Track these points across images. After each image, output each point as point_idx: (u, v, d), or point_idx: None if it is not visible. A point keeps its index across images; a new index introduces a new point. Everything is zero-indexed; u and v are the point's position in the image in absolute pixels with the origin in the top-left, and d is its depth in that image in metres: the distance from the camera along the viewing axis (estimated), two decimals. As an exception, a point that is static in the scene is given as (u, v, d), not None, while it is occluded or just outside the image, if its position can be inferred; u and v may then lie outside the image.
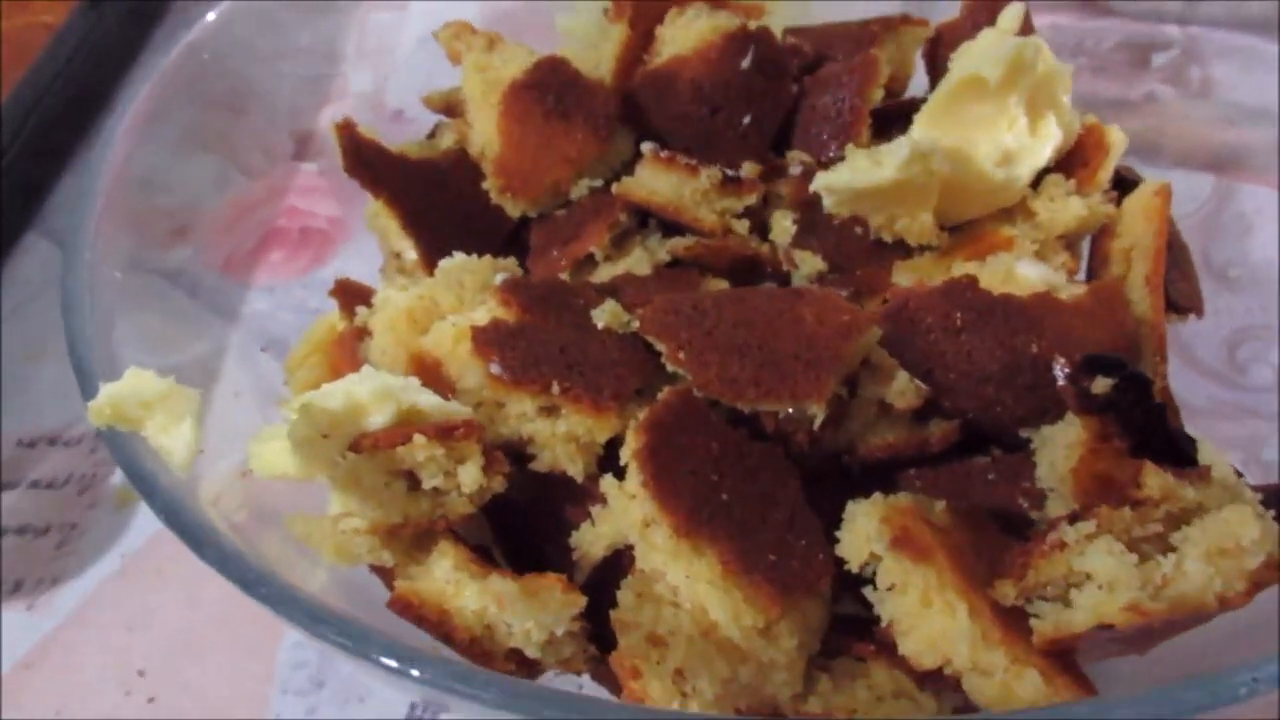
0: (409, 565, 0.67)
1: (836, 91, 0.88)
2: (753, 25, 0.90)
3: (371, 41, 1.18)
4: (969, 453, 0.72)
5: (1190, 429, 0.66)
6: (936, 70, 0.93)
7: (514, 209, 0.90)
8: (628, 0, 0.92)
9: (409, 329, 0.74)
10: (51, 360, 1.12)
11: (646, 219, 0.88)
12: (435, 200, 0.90)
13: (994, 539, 0.66)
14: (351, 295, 0.81)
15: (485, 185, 0.89)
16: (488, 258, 0.80)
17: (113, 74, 1.39)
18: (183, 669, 0.89)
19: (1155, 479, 0.58)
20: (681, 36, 0.90)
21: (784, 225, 0.86)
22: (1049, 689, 0.57)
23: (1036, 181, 0.83)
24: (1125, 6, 1.12)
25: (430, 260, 0.84)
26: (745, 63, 0.87)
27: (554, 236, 0.89)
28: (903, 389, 0.69)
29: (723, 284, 0.84)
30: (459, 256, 0.79)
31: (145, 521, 0.99)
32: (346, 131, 0.88)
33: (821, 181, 0.81)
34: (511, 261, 0.83)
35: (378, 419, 0.64)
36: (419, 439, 0.63)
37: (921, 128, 0.81)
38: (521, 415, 0.69)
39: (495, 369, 0.68)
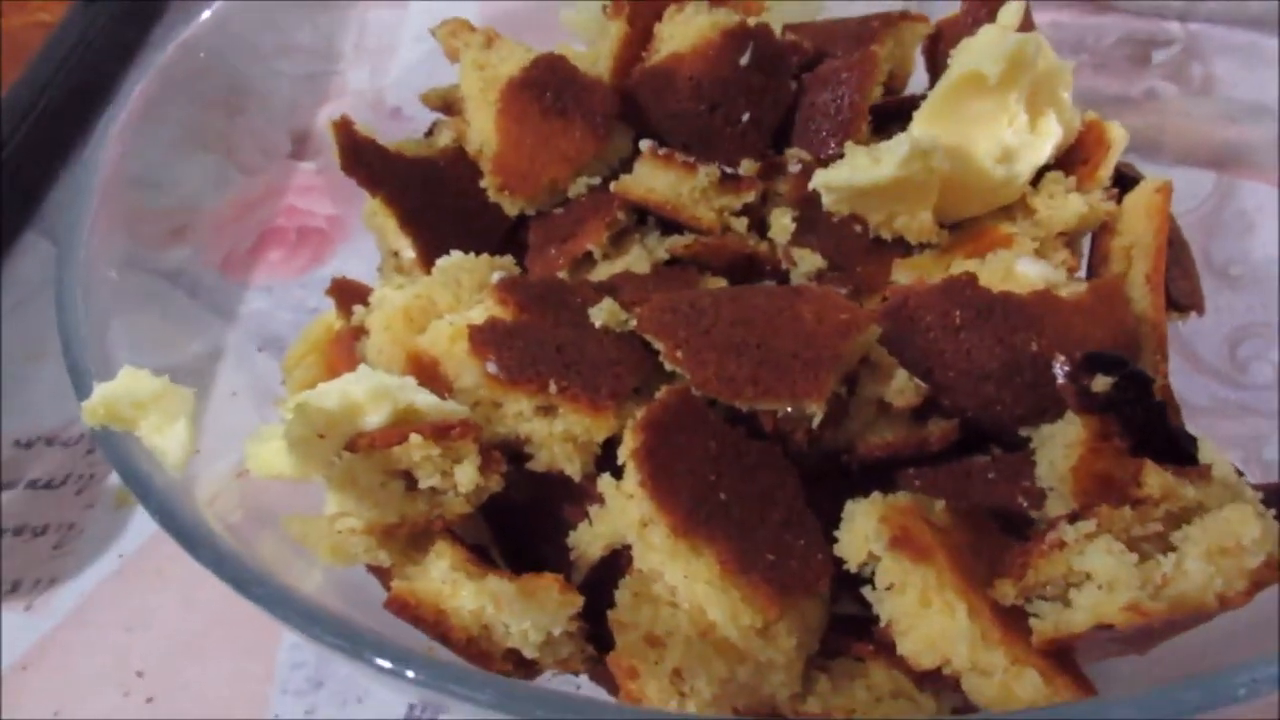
0: (406, 565, 0.67)
1: (836, 88, 0.88)
2: (752, 22, 0.89)
3: (370, 39, 1.18)
4: (968, 452, 0.71)
5: (1191, 427, 0.66)
6: (936, 67, 0.93)
7: (512, 207, 0.89)
8: (626, -2, 0.92)
9: (406, 328, 0.74)
10: (50, 360, 1.11)
11: (645, 217, 0.88)
12: (433, 198, 0.90)
13: (993, 538, 0.66)
14: (348, 294, 0.81)
15: (483, 183, 0.89)
16: (485, 256, 0.80)
17: (111, 72, 1.38)
18: (181, 669, 0.89)
19: (1155, 478, 0.58)
20: (680, 33, 0.90)
21: (783, 223, 0.85)
22: (1048, 689, 0.56)
23: (1037, 179, 0.83)
24: (1126, 4, 1.12)
25: (428, 258, 0.84)
26: (744, 60, 0.87)
27: (552, 235, 0.88)
28: (902, 387, 0.69)
29: (721, 282, 0.83)
30: (456, 255, 0.79)
31: (144, 522, 0.98)
32: (343, 129, 0.87)
33: (821, 179, 0.81)
34: (509, 260, 0.83)
35: (374, 418, 0.64)
36: (415, 438, 0.63)
37: (921, 125, 0.81)
38: (519, 414, 0.68)
39: (492, 368, 0.67)
